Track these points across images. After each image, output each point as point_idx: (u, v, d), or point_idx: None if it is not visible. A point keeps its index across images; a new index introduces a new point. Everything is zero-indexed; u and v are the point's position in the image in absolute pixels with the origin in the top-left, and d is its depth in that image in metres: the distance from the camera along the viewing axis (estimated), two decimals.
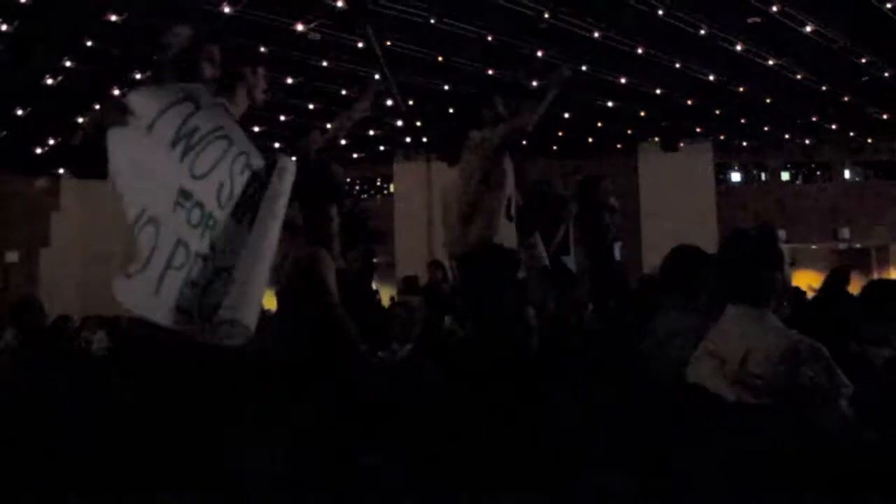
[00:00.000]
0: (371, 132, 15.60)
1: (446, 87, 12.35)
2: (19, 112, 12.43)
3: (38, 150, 13.93)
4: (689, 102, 13.86)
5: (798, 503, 1.90)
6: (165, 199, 2.61)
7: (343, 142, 15.66)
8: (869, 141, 17.04)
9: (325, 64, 11.43)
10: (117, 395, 3.39)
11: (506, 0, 9.53)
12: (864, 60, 11.80)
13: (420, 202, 16.88)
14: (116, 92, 9.72)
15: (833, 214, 17.34)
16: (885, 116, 15.12)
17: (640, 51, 11.19)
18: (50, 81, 11.12)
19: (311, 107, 13.04)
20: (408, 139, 16.37)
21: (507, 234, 4.10)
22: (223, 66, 3.22)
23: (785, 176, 18.00)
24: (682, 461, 2.09)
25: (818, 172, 17.92)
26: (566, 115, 13.47)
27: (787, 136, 16.76)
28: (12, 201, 16.81)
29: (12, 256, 16.79)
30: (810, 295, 8.13)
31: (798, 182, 17.98)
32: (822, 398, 2.10)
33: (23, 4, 8.89)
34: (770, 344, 2.18)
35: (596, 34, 10.55)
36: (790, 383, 2.11)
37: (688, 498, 2.02)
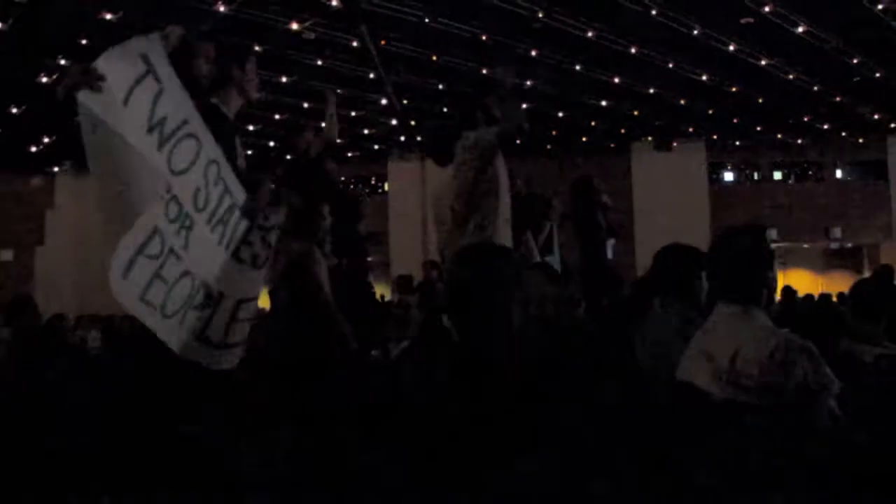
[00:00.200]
0: (365, 131, 15.60)
1: (441, 87, 12.36)
2: (14, 110, 12.40)
3: (33, 149, 13.89)
4: (683, 102, 13.92)
5: (789, 501, 1.92)
6: (148, 183, 2.55)
7: (337, 141, 15.72)
8: (861, 140, 17.12)
9: (319, 63, 11.43)
10: (112, 394, 3.40)
11: (500, 0, 9.55)
12: (855, 61, 11.86)
13: (414, 201, 16.88)
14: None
15: (825, 214, 17.41)
16: (876, 116, 15.20)
17: (633, 50, 11.23)
18: (45, 80, 11.09)
19: (305, 105, 13.04)
20: (402, 138, 16.38)
21: (504, 235, 4.10)
22: (217, 64, 3.22)
23: (777, 175, 18.05)
24: (676, 460, 2.12)
25: (810, 172, 17.97)
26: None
27: (779, 136, 16.83)
28: (7, 199, 16.77)
29: (7, 255, 16.74)
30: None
31: (790, 181, 18.03)
32: (811, 396, 2.10)
33: (18, 3, 8.88)
34: (759, 342, 2.18)
35: (590, 34, 10.58)
36: (779, 381, 2.10)
37: (682, 496, 2.04)
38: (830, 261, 18.95)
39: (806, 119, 15.34)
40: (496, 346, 3.28)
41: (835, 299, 9.38)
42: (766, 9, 9.94)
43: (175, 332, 2.66)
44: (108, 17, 9.24)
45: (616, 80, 12.52)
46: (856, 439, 2.10)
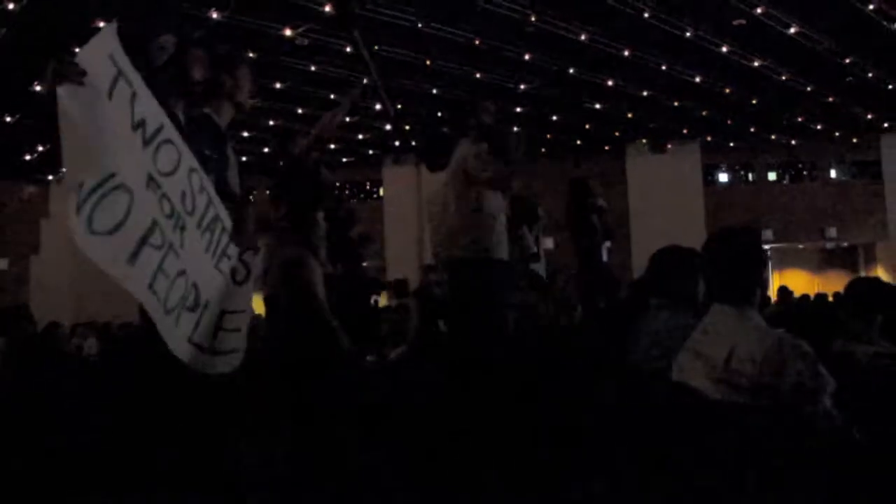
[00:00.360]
0: (360, 136, 15.60)
1: (434, 91, 12.37)
2: (7, 119, 12.38)
3: (27, 157, 13.86)
4: (676, 104, 13.95)
5: (784, 500, 1.92)
6: (137, 175, 2.51)
7: (332, 146, 15.73)
8: (854, 140, 17.17)
9: (313, 68, 11.44)
10: (109, 398, 3.39)
11: (492, 4, 9.56)
12: (848, 61, 11.89)
13: (410, 206, 16.88)
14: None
15: (820, 214, 17.46)
16: (869, 116, 15.24)
17: (626, 53, 11.25)
18: (38, 88, 11.07)
19: (299, 111, 13.04)
20: (397, 143, 16.38)
21: (499, 249, 4.10)
22: (211, 70, 3.20)
23: (772, 176, 18.10)
24: (671, 460, 2.11)
25: (805, 172, 18.03)
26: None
27: (773, 137, 16.87)
28: (1, 208, 16.73)
29: (2, 264, 16.70)
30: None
31: (785, 182, 18.08)
32: (806, 395, 2.10)
33: (11, 11, 8.87)
34: (753, 342, 2.18)
35: (583, 37, 10.59)
36: (774, 381, 2.11)
37: (678, 496, 2.04)
38: (826, 261, 19.00)
39: (800, 119, 15.38)
40: (493, 348, 3.28)
41: (831, 299, 9.39)
42: (759, 10, 9.98)
43: (172, 330, 2.65)
44: (101, 24, 9.22)
45: (610, 82, 12.54)
46: (852, 439, 2.10)
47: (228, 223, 2.99)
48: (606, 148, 17.34)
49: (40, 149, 14.01)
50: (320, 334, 4.36)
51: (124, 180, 2.44)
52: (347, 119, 13.91)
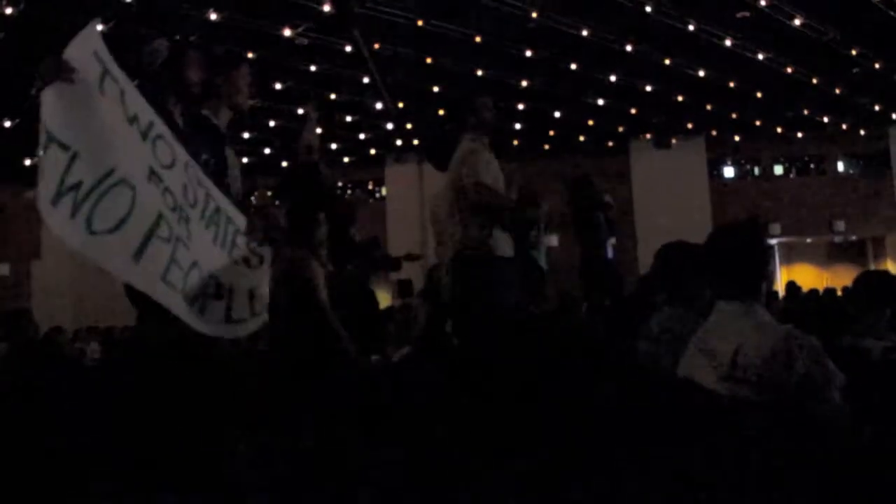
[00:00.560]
0: (361, 136, 15.58)
1: (436, 89, 12.33)
2: (7, 124, 12.38)
3: (28, 162, 13.86)
4: (680, 99, 13.87)
5: (794, 498, 1.88)
6: (138, 168, 2.52)
7: (333, 146, 15.72)
8: (862, 133, 17.05)
9: (313, 68, 11.40)
10: (113, 401, 3.38)
11: (493, 0, 9.51)
12: (854, 52, 11.79)
13: (412, 204, 16.85)
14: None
15: (828, 207, 17.33)
16: (877, 108, 15.13)
17: (629, 48, 11.18)
18: (34, 91, 11.07)
19: (300, 111, 13.01)
20: (398, 142, 16.36)
21: (503, 246, 4.08)
22: (208, 71, 3.16)
23: (778, 170, 17.98)
24: (680, 459, 2.07)
25: (812, 165, 17.91)
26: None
27: (779, 130, 16.77)
28: (2, 214, 16.77)
29: (3, 269, 16.75)
30: None
31: (792, 175, 17.97)
32: (815, 391, 2.08)
33: (9, 16, 8.86)
34: (761, 338, 2.17)
35: (584, 32, 10.53)
36: (782, 377, 2.09)
37: (684, 493, 2.00)
38: (834, 255, 18.88)
39: (805, 112, 15.28)
40: (494, 347, 3.24)
41: (840, 293, 9.31)
42: (762, 2, 9.90)
43: (198, 318, 2.70)
44: (99, 27, 9.19)
45: (612, 78, 12.47)
46: (861, 433, 2.07)
47: (232, 213, 3.01)
48: (610, 144, 17.27)
49: (41, 153, 14.00)
50: (321, 334, 4.36)
51: (125, 175, 2.44)
52: (349, 118, 13.94)
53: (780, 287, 12.74)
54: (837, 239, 18.14)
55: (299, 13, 9.63)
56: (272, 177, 13.16)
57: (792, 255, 18.56)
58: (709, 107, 14.50)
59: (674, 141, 16.90)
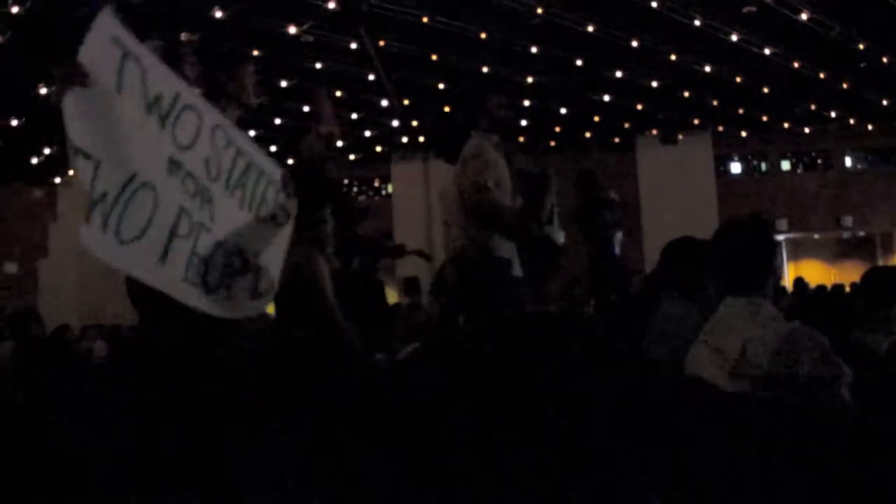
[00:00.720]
0: (367, 133, 15.58)
1: (441, 86, 12.32)
2: (14, 122, 12.41)
3: (34, 160, 13.91)
4: (687, 94, 13.82)
5: (801, 494, 1.87)
6: (157, 165, 2.53)
7: (339, 143, 15.71)
8: (869, 127, 16.95)
9: (318, 66, 11.40)
10: (119, 401, 3.39)
11: None
12: (861, 46, 11.73)
13: (418, 202, 16.85)
14: None
15: (835, 202, 17.25)
16: (884, 102, 15.05)
17: (635, 44, 11.14)
18: (44, 91, 11.10)
19: (306, 109, 13.01)
20: (404, 139, 16.35)
21: (505, 248, 4.06)
22: (207, 76, 3.15)
23: (786, 165, 17.91)
24: (687, 455, 2.07)
25: (819, 161, 17.83)
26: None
27: (786, 125, 16.69)
28: (10, 212, 16.83)
29: (11, 268, 16.81)
30: None
31: (799, 171, 17.90)
32: (821, 386, 2.07)
33: (14, 15, 8.88)
34: (768, 335, 2.16)
35: (590, 28, 10.50)
36: (789, 373, 2.08)
37: (691, 490, 2.00)
38: (842, 250, 18.80)
39: (812, 107, 15.20)
40: (494, 346, 3.24)
41: (848, 289, 9.28)
42: None
43: (223, 305, 2.74)
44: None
45: (618, 74, 12.43)
46: (869, 429, 2.06)
47: (265, 164, 3.04)
48: (616, 140, 17.23)
49: (46, 152, 14.06)
50: (327, 332, 4.35)
51: (146, 177, 2.47)
52: (354, 116, 13.93)
53: (787, 283, 12.70)
54: (845, 235, 18.07)
55: (304, 10, 9.64)
56: None
57: (800, 251, 18.49)
58: (715, 102, 14.44)
59: (680, 137, 16.83)
